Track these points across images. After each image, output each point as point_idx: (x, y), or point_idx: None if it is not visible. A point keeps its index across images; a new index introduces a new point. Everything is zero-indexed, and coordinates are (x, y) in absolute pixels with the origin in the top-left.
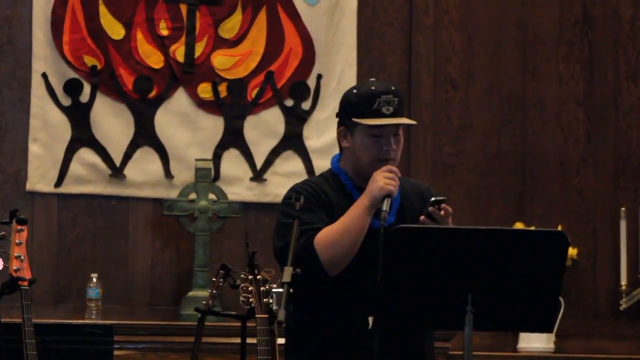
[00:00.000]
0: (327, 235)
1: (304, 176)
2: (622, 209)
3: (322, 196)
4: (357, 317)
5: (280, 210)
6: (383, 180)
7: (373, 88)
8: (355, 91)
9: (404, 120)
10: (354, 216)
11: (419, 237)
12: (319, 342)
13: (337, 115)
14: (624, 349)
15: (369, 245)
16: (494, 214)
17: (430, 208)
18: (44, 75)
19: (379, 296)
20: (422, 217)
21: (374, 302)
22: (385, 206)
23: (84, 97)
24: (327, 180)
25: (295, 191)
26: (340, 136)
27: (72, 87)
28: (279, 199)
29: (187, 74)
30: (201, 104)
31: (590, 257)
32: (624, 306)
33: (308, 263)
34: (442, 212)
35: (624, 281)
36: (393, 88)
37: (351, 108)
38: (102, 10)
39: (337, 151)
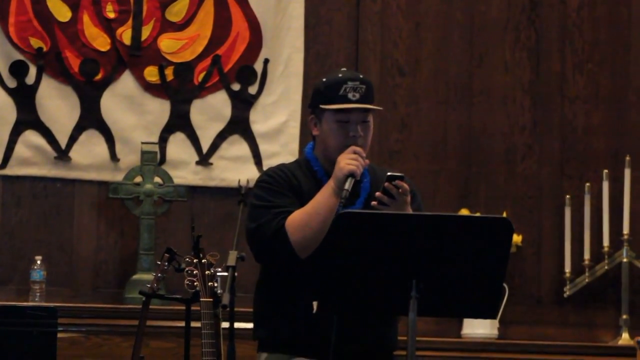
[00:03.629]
0: (297, 218)
1: (250, 160)
2: (567, 196)
3: (293, 181)
4: (304, 301)
5: (253, 193)
6: (344, 161)
7: (340, 75)
8: (324, 79)
9: (368, 105)
10: (322, 198)
11: (363, 222)
12: (276, 321)
13: (309, 105)
14: (567, 335)
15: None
16: (440, 200)
17: (386, 183)
18: None
19: (323, 280)
20: (377, 193)
21: (318, 287)
22: (348, 185)
23: (30, 79)
24: (300, 166)
25: (267, 174)
26: (311, 124)
27: (17, 69)
28: (225, 183)
29: (133, 57)
30: (147, 87)
31: (534, 244)
32: (567, 293)
33: (279, 245)
34: (400, 190)
35: (568, 268)
36: (361, 76)
37: (319, 95)
38: None
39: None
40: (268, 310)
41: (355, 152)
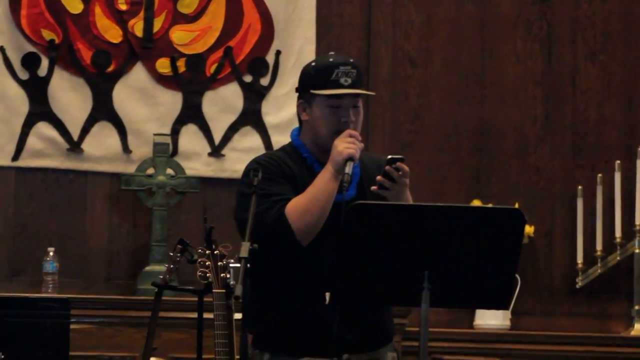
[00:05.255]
0: (297, 204)
1: (262, 152)
2: (579, 187)
3: (286, 168)
4: (315, 292)
5: (241, 182)
6: (342, 145)
7: (331, 60)
8: (313, 64)
9: (362, 91)
10: (321, 183)
11: (376, 213)
12: (276, 316)
13: (297, 89)
14: (579, 326)
15: (329, 219)
16: (452, 191)
17: (387, 167)
18: (2, 49)
19: (336, 272)
20: (378, 177)
21: (331, 278)
22: (348, 169)
23: (42, 71)
24: (288, 154)
25: (257, 163)
26: (300, 109)
27: (30, 61)
28: (237, 175)
29: (145, 49)
30: (160, 79)
31: (546, 235)
32: (580, 284)
33: (281, 233)
34: (400, 173)
35: (580, 259)
36: (351, 60)
37: (310, 80)
38: None
39: (295, 127)
40: (269, 304)
41: (351, 136)
